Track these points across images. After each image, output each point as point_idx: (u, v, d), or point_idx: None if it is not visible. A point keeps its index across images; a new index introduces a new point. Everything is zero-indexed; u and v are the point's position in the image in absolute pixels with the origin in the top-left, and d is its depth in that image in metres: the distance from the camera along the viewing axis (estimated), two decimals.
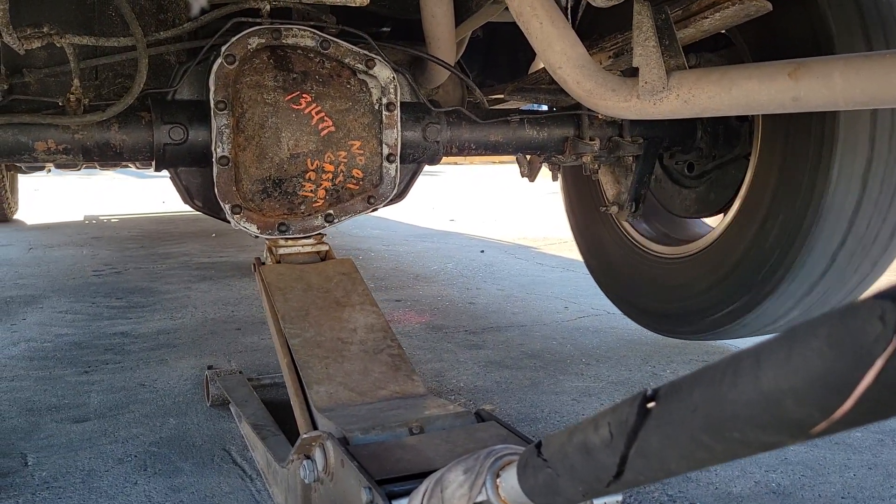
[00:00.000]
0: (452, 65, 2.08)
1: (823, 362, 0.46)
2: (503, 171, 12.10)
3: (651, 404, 0.63)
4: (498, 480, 0.89)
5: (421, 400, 1.39)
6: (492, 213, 6.98)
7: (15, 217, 6.48)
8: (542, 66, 3.21)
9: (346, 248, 4.73)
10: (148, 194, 9.04)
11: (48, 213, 6.96)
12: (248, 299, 3.23)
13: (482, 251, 4.62)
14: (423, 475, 1.05)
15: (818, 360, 0.46)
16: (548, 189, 7.90)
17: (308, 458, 1.23)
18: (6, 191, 6.09)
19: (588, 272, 2.78)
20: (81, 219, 6.60)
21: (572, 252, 4.41)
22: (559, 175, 2.53)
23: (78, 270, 3.98)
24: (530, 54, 3.32)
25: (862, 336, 0.43)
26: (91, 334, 2.67)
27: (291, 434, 1.56)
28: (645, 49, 1.57)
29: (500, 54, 3.41)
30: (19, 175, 6.67)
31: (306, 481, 1.21)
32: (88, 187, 9.97)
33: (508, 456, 0.91)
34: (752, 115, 2.04)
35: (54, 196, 8.67)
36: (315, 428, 1.37)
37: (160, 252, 4.61)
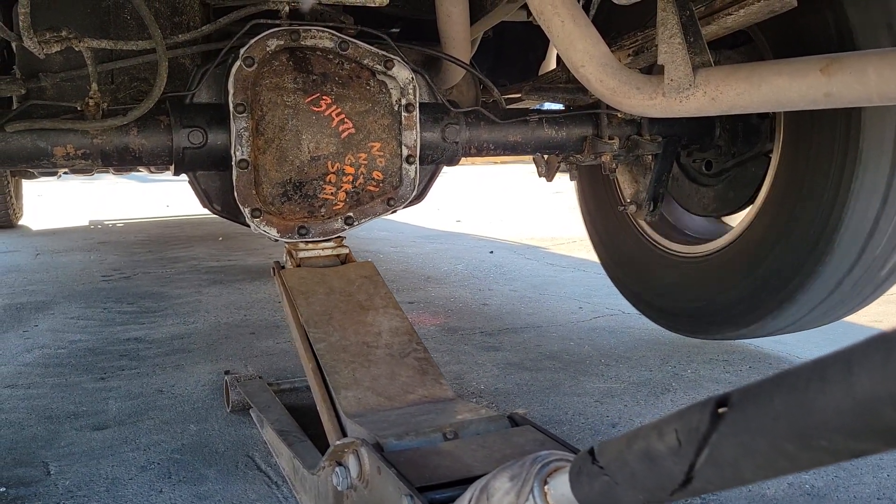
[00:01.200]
0: (468, 62, 2.06)
1: None
2: (506, 171, 12.08)
3: (723, 410, 0.61)
4: (546, 488, 0.87)
5: (451, 404, 1.37)
6: (498, 213, 6.96)
7: (20, 223, 6.47)
8: (554, 64, 3.20)
9: (354, 250, 4.70)
10: (151, 198, 9.03)
11: (53, 218, 6.95)
12: (261, 303, 3.21)
13: (491, 252, 4.60)
14: (463, 482, 1.04)
15: None
16: (553, 188, 7.88)
17: (340, 464, 1.21)
18: (11, 196, 6.07)
19: (601, 271, 2.77)
20: (87, 224, 6.58)
21: (582, 252, 4.40)
22: (576, 174, 2.52)
23: (87, 276, 3.97)
24: (541, 53, 3.30)
25: None
26: (104, 340, 2.66)
27: (316, 439, 1.54)
28: (670, 46, 1.55)
29: (511, 53, 3.40)
30: (24, 180, 6.66)
31: (339, 489, 1.19)
32: (91, 192, 9.95)
33: (556, 462, 0.89)
34: (774, 112, 2.02)
35: (58, 201, 8.66)
36: (344, 433, 1.35)
37: (168, 256, 4.59)
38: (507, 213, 6.91)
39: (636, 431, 0.72)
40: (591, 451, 0.79)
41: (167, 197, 8.93)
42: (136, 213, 7.46)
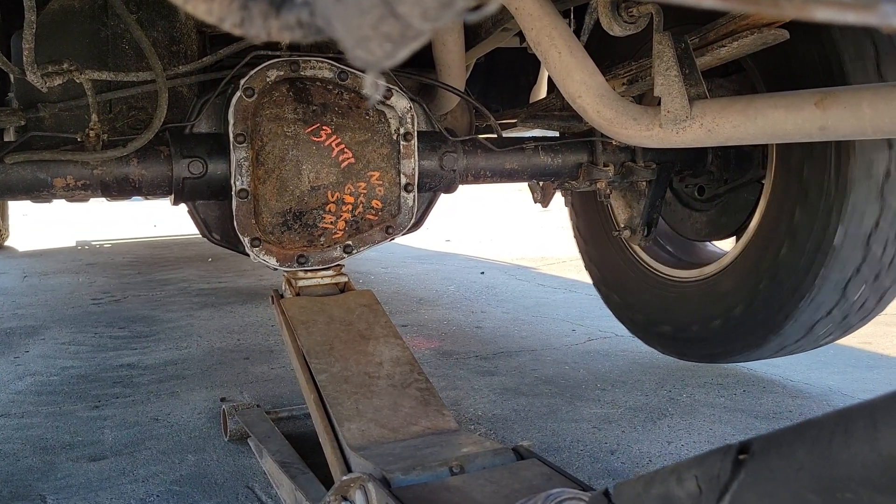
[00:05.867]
0: (462, 91, 2.08)
1: None
2: (493, 189, 12.12)
3: (743, 457, 0.62)
4: None
5: (455, 436, 1.37)
6: (487, 232, 6.99)
7: (6, 244, 6.41)
8: (545, 89, 3.23)
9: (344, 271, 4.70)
10: (138, 218, 8.98)
11: (39, 239, 6.90)
12: (253, 327, 3.20)
13: (482, 272, 4.61)
14: None
15: None
16: (540, 207, 7.91)
17: (346, 499, 1.21)
18: None
19: (593, 292, 2.78)
20: (74, 244, 6.54)
21: (572, 272, 4.42)
22: (570, 200, 2.54)
23: (76, 299, 3.94)
24: (532, 78, 3.33)
25: None
26: (97, 367, 2.64)
27: (316, 468, 1.54)
28: (667, 79, 1.58)
29: (502, 77, 3.43)
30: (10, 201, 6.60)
31: None
32: (77, 211, 9.89)
33: (569, 500, 0.89)
34: None
35: (43, 220, 8.59)
36: (348, 467, 1.35)
37: (158, 278, 4.57)
38: (496, 232, 6.93)
39: (654, 475, 0.73)
40: (607, 493, 0.79)
41: (154, 216, 8.89)
42: (123, 233, 7.42)
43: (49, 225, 8.09)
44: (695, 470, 0.66)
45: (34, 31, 1.35)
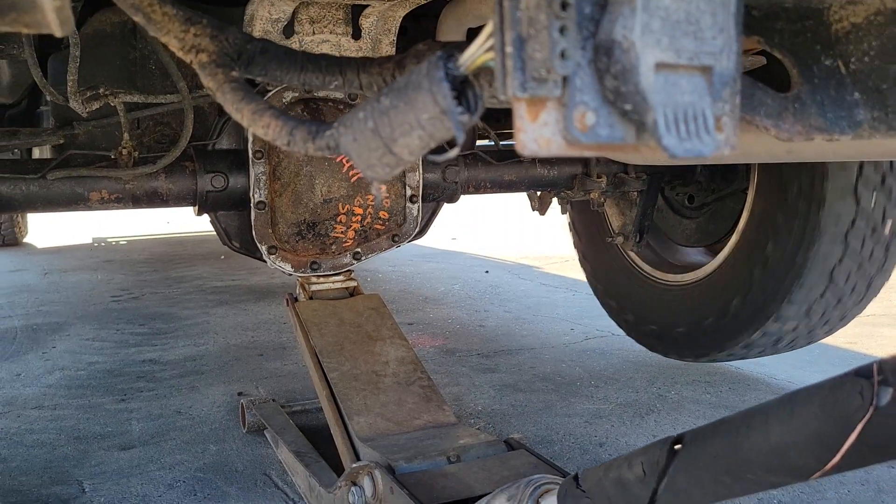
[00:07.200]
0: None
1: (818, 424, 0.60)
2: None
3: (678, 447, 0.77)
4: None
5: (453, 429, 1.52)
6: (492, 231, 7.13)
7: (25, 240, 6.60)
8: None
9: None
10: (151, 215, 9.15)
11: (56, 235, 7.08)
12: (266, 324, 3.36)
13: (487, 271, 4.76)
14: (467, 501, 1.19)
15: (814, 422, 0.60)
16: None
17: (356, 484, 1.36)
18: (17, 215, 6.21)
19: (591, 292, 2.92)
20: (90, 241, 6.72)
21: (574, 272, 4.55)
22: (567, 208, 2.68)
23: (96, 296, 4.11)
24: None
25: (846, 406, 0.57)
26: (121, 362, 2.80)
27: (327, 458, 1.69)
28: None
29: None
30: None
31: None
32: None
33: (546, 485, 1.04)
34: None
35: (59, 218, 8.77)
36: (357, 456, 1.50)
37: (173, 276, 4.74)
38: (500, 231, 7.07)
39: (612, 462, 0.88)
40: (576, 477, 0.94)
41: (166, 213, 9.06)
42: (137, 229, 7.59)
43: (65, 222, 8.27)
44: (641, 457, 0.81)
45: (77, 64, 1.50)
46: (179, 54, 0.65)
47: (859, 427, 0.56)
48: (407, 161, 0.43)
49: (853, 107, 0.78)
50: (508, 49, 0.42)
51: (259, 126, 0.49)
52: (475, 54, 0.44)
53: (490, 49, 0.43)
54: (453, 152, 0.45)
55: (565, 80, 0.43)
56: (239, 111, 0.55)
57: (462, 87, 0.45)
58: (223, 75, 0.60)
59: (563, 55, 0.42)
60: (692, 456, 0.74)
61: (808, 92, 0.77)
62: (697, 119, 0.46)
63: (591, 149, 0.45)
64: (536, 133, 0.43)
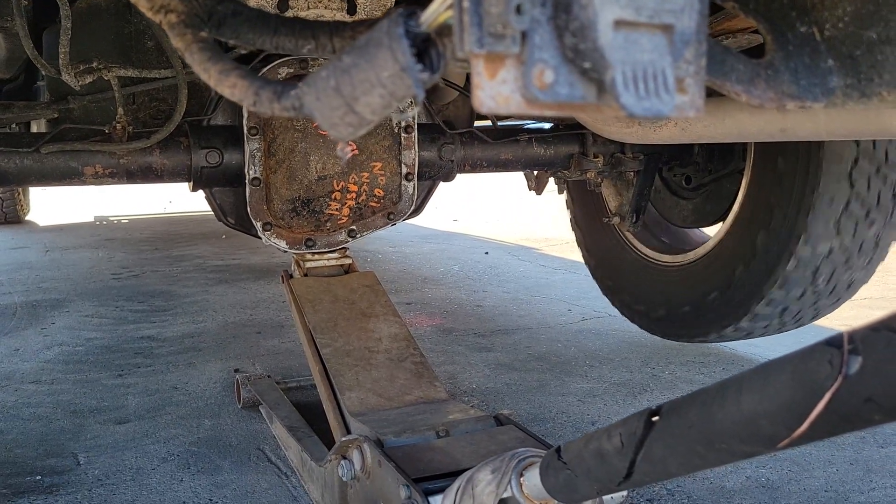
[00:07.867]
0: (462, 85, 2.21)
1: (789, 393, 0.60)
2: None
3: (655, 418, 0.78)
4: (522, 479, 1.04)
5: (444, 405, 1.53)
6: (493, 212, 7.12)
7: (27, 218, 6.61)
8: None
9: (354, 248, 4.86)
10: (153, 194, 9.15)
11: (58, 213, 7.09)
12: (265, 303, 3.37)
13: (486, 253, 4.76)
14: (453, 474, 1.20)
15: (785, 391, 0.61)
16: (546, 189, 8.02)
17: (346, 458, 1.37)
18: (18, 192, 6.22)
19: (590, 276, 2.93)
20: (92, 220, 6.73)
21: (573, 253, 4.55)
22: (564, 188, 2.68)
23: (97, 273, 4.12)
24: None
25: (816, 374, 0.58)
26: (119, 338, 2.81)
27: (320, 434, 1.71)
28: None
29: None
30: None
31: (344, 479, 1.35)
32: (95, 187, 10.07)
33: (530, 458, 1.05)
34: None
35: (61, 195, 8.79)
36: (348, 430, 1.51)
37: (174, 254, 4.75)
38: (501, 213, 7.06)
39: (592, 434, 0.89)
40: (558, 450, 0.95)
41: (169, 193, 9.06)
42: (139, 209, 7.60)
43: (67, 200, 8.28)
44: (620, 429, 0.82)
45: (69, 36, 1.49)
46: (149, 14, 0.65)
47: (828, 395, 0.56)
48: (369, 120, 0.43)
49: (827, 74, 0.78)
50: (465, 3, 0.42)
51: (225, 86, 0.49)
52: (437, 11, 0.44)
53: (451, 7, 0.43)
54: (413, 111, 0.45)
55: (524, 37, 0.43)
56: (206, 71, 0.55)
57: (424, 46, 0.45)
58: (191, 35, 0.60)
59: (518, 10, 0.42)
60: (668, 427, 0.74)
61: (781, 59, 0.77)
62: (657, 78, 0.45)
63: (551, 107, 0.45)
64: (494, 90, 0.43)
